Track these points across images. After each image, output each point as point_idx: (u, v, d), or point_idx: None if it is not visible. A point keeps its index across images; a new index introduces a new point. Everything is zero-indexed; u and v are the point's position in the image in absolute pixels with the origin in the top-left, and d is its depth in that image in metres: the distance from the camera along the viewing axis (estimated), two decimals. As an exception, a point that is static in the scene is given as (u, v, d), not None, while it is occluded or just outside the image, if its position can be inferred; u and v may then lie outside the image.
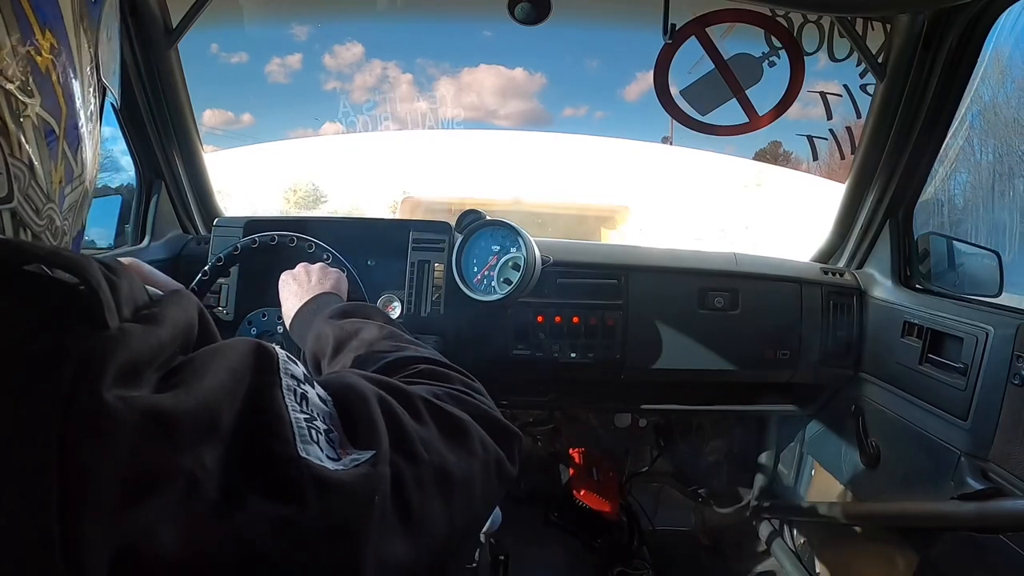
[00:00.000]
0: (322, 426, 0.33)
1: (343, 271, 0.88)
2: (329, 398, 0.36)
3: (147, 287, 0.33)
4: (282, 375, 0.32)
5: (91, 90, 0.37)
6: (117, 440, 0.24)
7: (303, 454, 0.30)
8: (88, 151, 0.37)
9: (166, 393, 0.27)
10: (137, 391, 0.26)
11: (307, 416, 0.32)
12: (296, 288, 0.80)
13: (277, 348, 0.34)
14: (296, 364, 0.34)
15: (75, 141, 0.35)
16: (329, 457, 0.31)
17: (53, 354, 0.24)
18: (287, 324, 0.78)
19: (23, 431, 0.23)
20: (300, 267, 0.85)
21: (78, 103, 0.34)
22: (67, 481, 0.22)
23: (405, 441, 0.36)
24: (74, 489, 0.23)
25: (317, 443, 0.31)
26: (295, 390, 0.32)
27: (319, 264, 0.86)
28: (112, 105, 0.54)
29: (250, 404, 0.30)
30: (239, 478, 0.28)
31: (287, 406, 0.31)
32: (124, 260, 0.86)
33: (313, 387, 0.35)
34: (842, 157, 1.35)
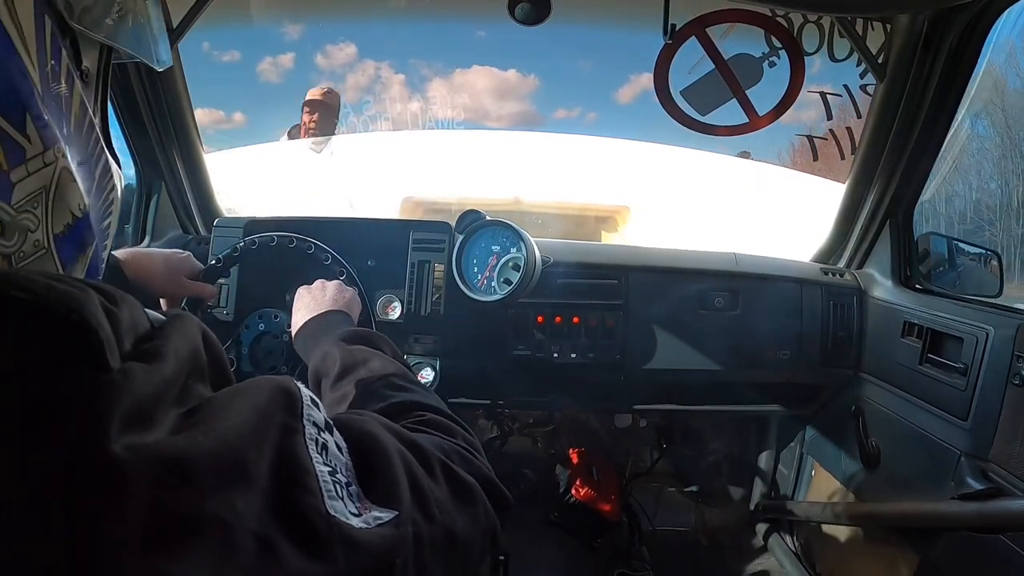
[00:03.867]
0: (342, 479, 0.32)
1: (355, 289, 0.90)
2: (345, 446, 0.35)
3: (147, 311, 0.30)
4: (305, 422, 0.31)
5: (46, 39, 0.28)
6: (130, 494, 0.22)
7: (331, 511, 0.30)
8: (55, 121, 0.28)
9: (181, 435, 0.26)
10: (150, 434, 0.25)
11: (329, 469, 0.31)
12: (309, 300, 0.82)
13: (301, 387, 0.33)
14: (318, 410, 0.33)
15: (16, 108, 0.26)
16: (352, 513, 0.31)
17: (53, 404, 0.22)
18: (293, 335, 0.80)
19: (26, 492, 0.21)
20: (318, 283, 0.86)
21: (16, 56, 0.26)
22: (78, 543, 0.21)
23: (423, 503, 0.36)
24: (87, 552, 0.21)
25: (341, 498, 0.31)
26: (316, 439, 0.32)
27: (336, 281, 0.88)
28: (115, 67, 0.42)
29: (279, 452, 0.29)
30: (271, 530, 0.27)
31: (311, 457, 0.30)
32: (181, 253, 0.88)
33: (332, 434, 0.34)
34: (842, 157, 1.35)
